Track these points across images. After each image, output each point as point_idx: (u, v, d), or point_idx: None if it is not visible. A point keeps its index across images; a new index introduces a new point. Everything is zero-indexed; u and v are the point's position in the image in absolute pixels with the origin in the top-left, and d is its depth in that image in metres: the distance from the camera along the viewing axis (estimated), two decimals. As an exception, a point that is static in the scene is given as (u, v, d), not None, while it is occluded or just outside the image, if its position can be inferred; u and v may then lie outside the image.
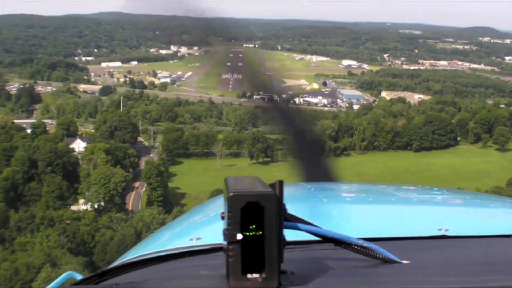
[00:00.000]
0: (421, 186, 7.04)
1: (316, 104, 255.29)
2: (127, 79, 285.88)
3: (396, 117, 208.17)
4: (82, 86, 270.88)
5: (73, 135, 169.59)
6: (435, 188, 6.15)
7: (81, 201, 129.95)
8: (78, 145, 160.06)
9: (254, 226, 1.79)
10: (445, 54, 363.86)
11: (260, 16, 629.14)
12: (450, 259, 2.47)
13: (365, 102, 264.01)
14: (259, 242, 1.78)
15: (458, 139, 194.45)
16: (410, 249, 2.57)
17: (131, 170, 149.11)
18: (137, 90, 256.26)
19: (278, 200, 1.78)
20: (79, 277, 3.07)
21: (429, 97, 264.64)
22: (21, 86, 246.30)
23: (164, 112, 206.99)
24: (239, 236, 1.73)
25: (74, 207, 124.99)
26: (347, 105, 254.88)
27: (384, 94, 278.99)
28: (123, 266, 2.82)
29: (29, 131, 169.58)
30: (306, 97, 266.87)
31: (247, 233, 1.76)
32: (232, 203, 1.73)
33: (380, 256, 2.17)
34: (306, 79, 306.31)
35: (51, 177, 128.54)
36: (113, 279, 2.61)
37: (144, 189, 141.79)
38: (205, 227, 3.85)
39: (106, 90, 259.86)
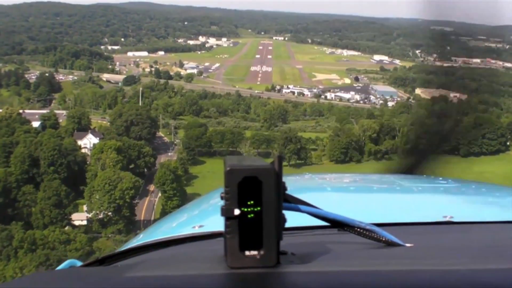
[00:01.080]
0: (426, 176, 6.71)
1: (348, 100, 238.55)
2: (152, 69, 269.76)
3: (440, 117, 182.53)
4: (105, 76, 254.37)
5: (84, 129, 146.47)
6: (440, 178, 6.02)
7: (85, 207, 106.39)
8: (90, 141, 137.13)
9: (252, 202, 1.68)
10: (478, 52, 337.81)
11: (290, 9, 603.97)
12: (454, 243, 2.45)
13: (399, 99, 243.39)
14: (258, 220, 1.67)
15: (508, 143, 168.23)
16: (414, 234, 2.57)
17: (146, 171, 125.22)
18: (162, 81, 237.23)
19: (277, 175, 1.66)
20: (80, 264, 2.96)
21: (465, 96, 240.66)
22: (43, 74, 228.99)
23: (188, 105, 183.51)
24: (237, 212, 1.63)
25: (76, 216, 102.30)
26: (381, 101, 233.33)
27: (418, 91, 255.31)
28: (123, 252, 2.81)
29: (37, 124, 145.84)
30: (338, 92, 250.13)
31: (245, 209, 1.66)
32: (229, 178, 1.63)
33: (384, 239, 2.09)
34: (337, 73, 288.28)
35: (48, 181, 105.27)
36: (113, 264, 2.57)
37: (159, 196, 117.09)
38: (208, 215, 3.78)
39: (130, 80, 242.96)
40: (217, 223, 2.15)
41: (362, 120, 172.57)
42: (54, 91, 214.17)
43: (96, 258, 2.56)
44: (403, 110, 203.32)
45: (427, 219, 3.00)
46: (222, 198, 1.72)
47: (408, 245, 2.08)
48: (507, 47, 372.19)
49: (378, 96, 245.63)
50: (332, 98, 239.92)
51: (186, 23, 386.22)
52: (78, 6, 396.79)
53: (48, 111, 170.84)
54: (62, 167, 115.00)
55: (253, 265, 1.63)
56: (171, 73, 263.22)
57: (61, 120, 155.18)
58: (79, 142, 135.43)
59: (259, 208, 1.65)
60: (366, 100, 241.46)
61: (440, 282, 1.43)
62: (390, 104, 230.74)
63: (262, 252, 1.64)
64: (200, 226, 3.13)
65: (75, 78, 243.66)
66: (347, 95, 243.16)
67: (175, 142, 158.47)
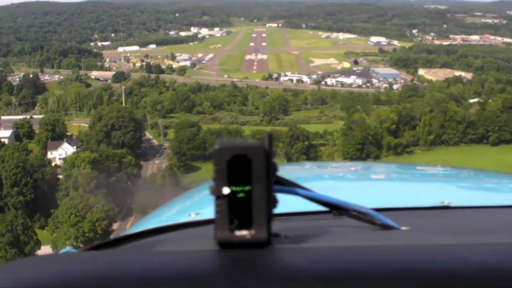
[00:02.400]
0: (424, 164, 6.33)
1: (350, 85, 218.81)
2: (143, 63, 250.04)
3: (459, 102, 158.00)
4: (94, 73, 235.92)
5: (60, 137, 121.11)
6: (438, 165, 6.16)
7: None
8: (66, 151, 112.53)
9: (242, 182, 1.54)
10: (475, 28, 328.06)
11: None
12: (450, 226, 2.40)
13: (402, 81, 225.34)
14: (249, 199, 1.54)
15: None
16: (410, 218, 2.52)
17: (129, 184, 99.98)
18: (153, 76, 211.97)
19: (267, 153, 1.53)
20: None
21: (471, 74, 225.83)
22: (27, 76, 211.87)
23: (179, 101, 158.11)
24: (226, 190, 1.50)
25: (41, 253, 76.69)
26: (385, 85, 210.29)
27: (422, 71, 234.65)
28: (118, 239, 2.75)
29: (7, 133, 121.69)
30: (338, 77, 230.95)
31: (235, 188, 1.52)
32: (218, 156, 1.50)
33: (379, 223, 1.99)
34: (336, 57, 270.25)
35: (12, 205, 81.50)
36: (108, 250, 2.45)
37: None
38: (204, 203, 3.58)
39: (120, 77, 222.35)
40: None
41: (378, 109, 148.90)
42: (39, 93, 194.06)
43: (91, 245, 2.55)
44: (412, 94, 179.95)
45: (424, 205, 2.94)
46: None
47: (403, 228, 2.02)
48: (505, 22, 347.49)
49: (380, 79, 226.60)
50: (333, 83, 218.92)
51: (177, 14, 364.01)
52: (67, 4, 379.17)
53: (28, 116, 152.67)
54: (27, 187, 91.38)
55: (243, 245, 1.54)
56: (163, 67, 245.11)
57: (36, 128, 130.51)
58: (54, 154, 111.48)
59: (249, 187, 1.53)
60: (368, 84, 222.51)
61: (434, 256, 1.40)
62: (394, 87, 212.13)
63: (252, 232, 1.53)
64: (197, 214, 3.08)
65: (61, 77, 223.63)
66: (348, 80, 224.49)
67: (164, 145, 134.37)
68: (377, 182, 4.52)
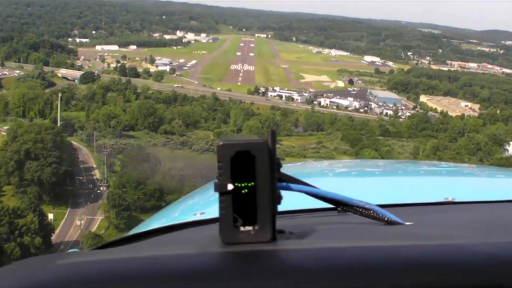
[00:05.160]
0: (429, 161, 6.69)
1: (346, 107, 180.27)
2: (118, 65, 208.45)
3: (502, 146, 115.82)
4: (62, 71, 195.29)
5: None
6: (442, 162, 6.15)
7: None
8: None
9: (246, 178, 1.48)
10: (472, 55, 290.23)
11: (272, 8, 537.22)
12: (455, 221, 2.30)
13: (403, 107, 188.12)
14: (253, 195, 1.47)
15: None
16: (414, 213, 2.42)
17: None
18: (125, 79, 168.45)
19: (270, 149, 1.47)
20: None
21: (478, 105, 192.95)
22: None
23: (143, 115, 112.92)
24: (230, 187, 1.43)
25: None
26: (386, 111, 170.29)
27: (424, 98, 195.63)
28: (123, 240, 2.67)
29: None
30: (332, 97, 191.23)
31: (239, 184, 1.45)
32: (222, 153, 1.43)
33: (383, 218, 1.90)
34: (328, 75, 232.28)
35: None
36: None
37: None
38: (209, 203, 3.45)
39: (88, 77, 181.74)
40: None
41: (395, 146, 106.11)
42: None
43: (96, 245, 2.36)
44: (425, 126, 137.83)
45: (429, 201, 2.81)
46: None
47: (408, 223, 1.92)
48: (501, 52, 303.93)
49: (380, 103, 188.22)
50: (327, 104, 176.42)
51: (164, 17, 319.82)
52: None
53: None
54: None
55: (247, 240, 1.47)
56: (139, 70, 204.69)
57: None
58: None
59: (253, 183, 1.46)
60: (366, 108, 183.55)
61: (440, 254, 1.33)
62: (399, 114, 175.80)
63: (256, 228, 1.46)
64: (202, 213, 2.93)
65: (22, 73, 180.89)
66: (344, 102, 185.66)
67: (107, 182, 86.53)
68: (380, 178, 4.31)
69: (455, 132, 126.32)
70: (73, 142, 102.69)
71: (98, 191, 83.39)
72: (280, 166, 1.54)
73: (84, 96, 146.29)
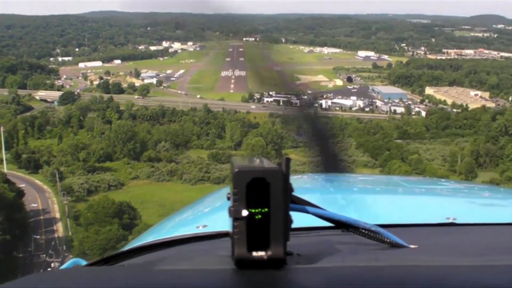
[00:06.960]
0: (429, 178, 6.71)
1: (350, 108, 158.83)
2: (102, 81, 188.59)
3: None
4: (40, 93, 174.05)
5: None
6: (443, 179, 5.88)
7: None
8: None
9: (260, 204, 1.51)
10: (466, 42, 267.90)
11: (258, 11, 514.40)
12: (457, 244, 2.27)
13: (410, 102, 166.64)
14: (265, 220, 1.49)
15: None
16: (417, 235, 2.39)
17: None
18: (106, 97, 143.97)
19: (285, 176, 1.49)
20: (84, 264, 2.75)
21: (487, 93, 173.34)
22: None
23: (121, 141, 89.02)
24: (245, 213, 1.45)
25: None
26: (394, 108, 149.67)
27: (430, 90, 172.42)
28: (128, 252, 2.58)
29: None
30: (333, 97, 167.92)
31: (253, 210, 1.47)
32: (238, 179, 1.45)
33: (388, 241, 1.90)
34: (324, 74, 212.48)
35: None
36: (118, 263, 2.36)
37: None
38: (211, 215, 3.50)
39: (68, 97, 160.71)
40: (221, 223, 2.02)
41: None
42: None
43: (100, 257, 2.39)
44: (448, 124, 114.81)
45: (430, 221, 2.77)
46: (228, 198, 1.57)
47: (412, 246, 1.92)
48: (495, 36, 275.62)
49: (385, 99, 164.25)
50: (329, 106, 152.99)
51: (148, 28, 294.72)
52: (33, 17, 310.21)
53: None
54: None
55: (260, 265, 1.47)
56: (124, 85, 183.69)
57: None
58: None
59: (266, 210, 1.48)
60: (372, 107, 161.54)
61: (444, 277, 1.32)
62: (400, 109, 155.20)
63: (269, 253, 1.47)
64: (204, 226, 2.84)
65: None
66: (347, 102, 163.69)
67: (72, 242, 61.37)
68: (382, 195, 4.15)
69: (496, 130, 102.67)
70: (37, 181, 79.41)
71: (56, 263, 57.27)
72: (292, 190, 1.55)
73: (59, 121, 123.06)
